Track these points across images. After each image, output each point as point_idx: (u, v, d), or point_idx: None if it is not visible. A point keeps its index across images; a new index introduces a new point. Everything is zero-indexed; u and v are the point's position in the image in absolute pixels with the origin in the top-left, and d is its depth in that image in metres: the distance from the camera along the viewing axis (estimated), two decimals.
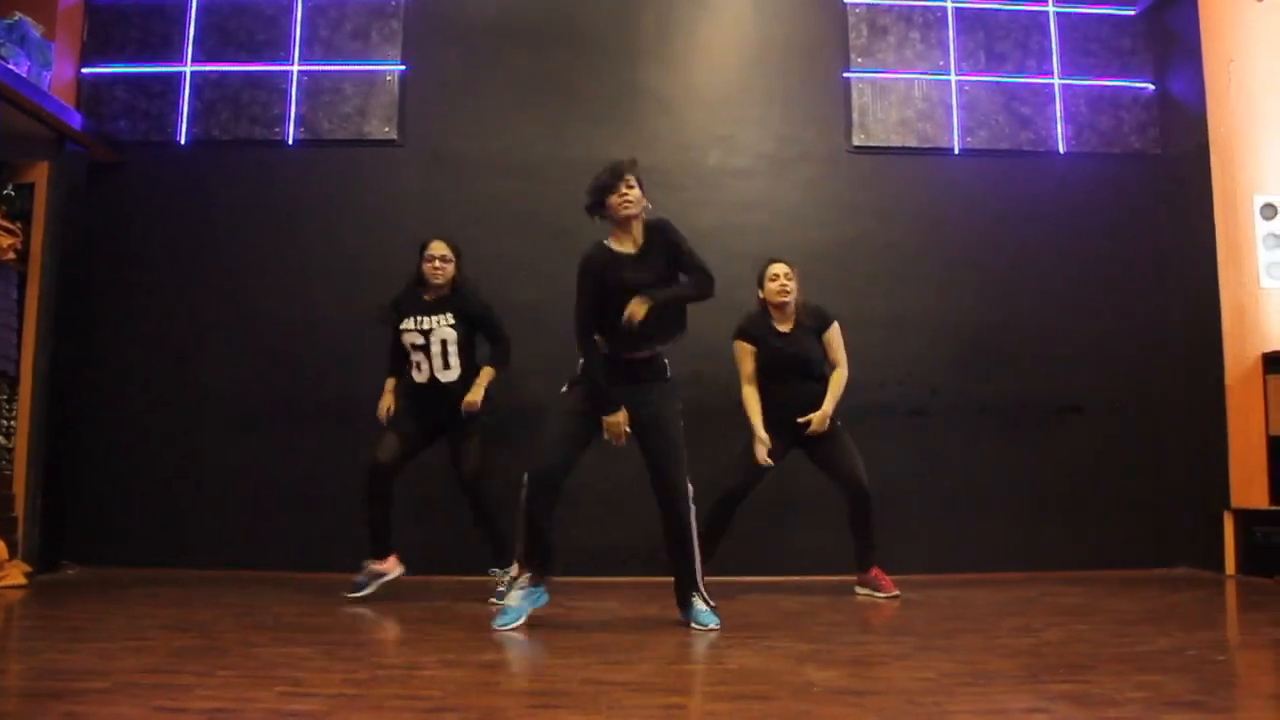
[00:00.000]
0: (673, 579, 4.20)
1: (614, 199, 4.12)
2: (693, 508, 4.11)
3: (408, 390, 4.97)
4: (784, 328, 5.18)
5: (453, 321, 4.94)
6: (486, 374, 4.98)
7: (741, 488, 5.07)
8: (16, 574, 5.20)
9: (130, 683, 2.87)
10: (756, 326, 5.16)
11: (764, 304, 5.23)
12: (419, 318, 4.95)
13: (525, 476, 3.99)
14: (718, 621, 4.03)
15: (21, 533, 5.52)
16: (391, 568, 4.90)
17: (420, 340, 4.92)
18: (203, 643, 3.58)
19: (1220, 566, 5.85)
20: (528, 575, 4.07)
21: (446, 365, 4.92)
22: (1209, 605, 4.83)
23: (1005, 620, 4.23)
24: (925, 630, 4.04)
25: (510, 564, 4.68)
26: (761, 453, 4.97)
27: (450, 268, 5.03)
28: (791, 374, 5.09)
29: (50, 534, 5.67)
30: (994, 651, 3.47)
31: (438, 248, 5.03)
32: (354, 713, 2.58)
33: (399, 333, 4.96)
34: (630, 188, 4.12)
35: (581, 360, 4.14)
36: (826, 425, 5.06)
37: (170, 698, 2.69)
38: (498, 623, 3.95)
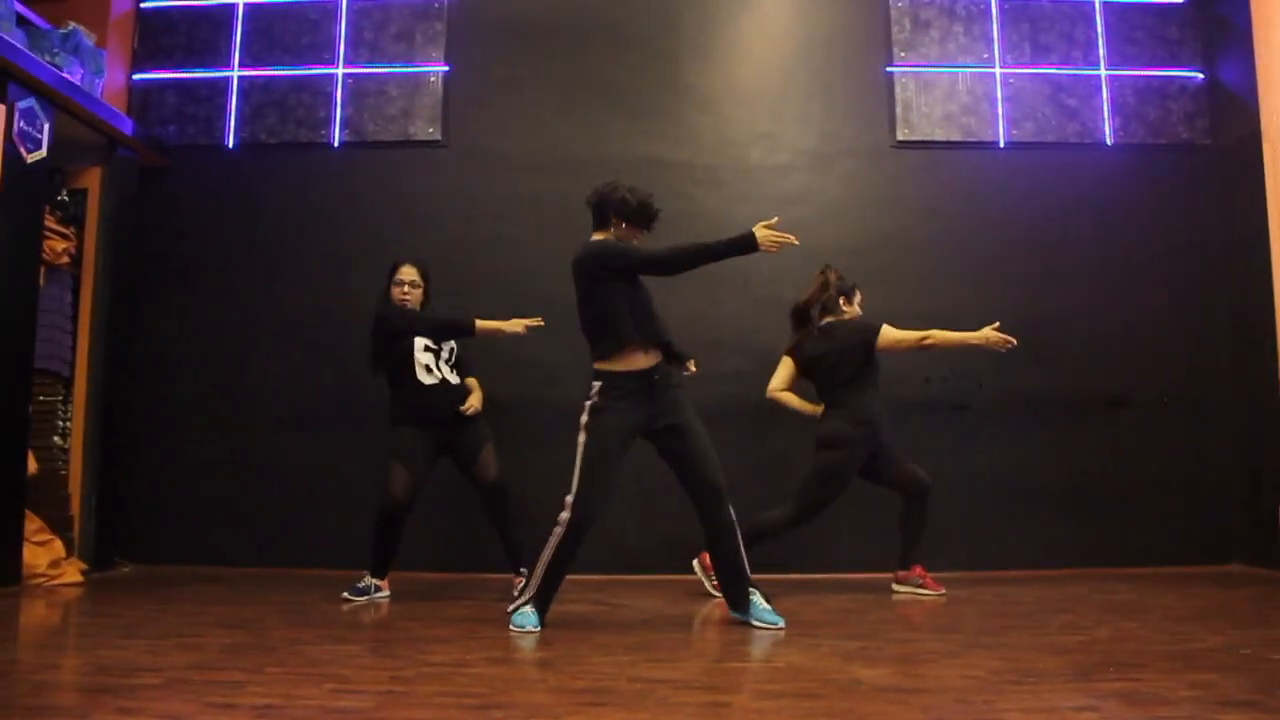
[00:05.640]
0: (723, 580, 4.18)
1: (628, 232, 4.22)
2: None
3: (411, 400, 4.95)
4: None
5: None
6: (476, 382, 5.14)
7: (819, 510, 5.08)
8: (73, 572, 5.31)
9: (182, 679, 2.92)
10: None
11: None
12: None
13: (565, 520, 3.92)
14: (783, 620, 4.01)
15: (77, 531, 5.63)
16: (386, 587, 4.93)
17: (433, 344, 5.02)
18: (252, 639, 3.63)
19: (1275, 563, 5.75)
20: (531, 600, 3.97)
21: (452, 368, 5.04)
22: (1263, 603, 4.74)
23: (1054, 617, 4.19)
24: (973, 628, 4.01)
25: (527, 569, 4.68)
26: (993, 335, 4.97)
27: (418, 293, 5.11)
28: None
29: (105, 532, 5.79)
30: (1043, 649, 3.44)
31: (407, 273, 5.11)
32: (401, 709, 2.60)
33: (409, 337, 4.98)
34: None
35: (597, 384, 4.06)
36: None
37: (221, 694, 2.73)
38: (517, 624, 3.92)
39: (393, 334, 4.97)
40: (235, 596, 4.83)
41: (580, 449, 3.99)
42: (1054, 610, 4.40)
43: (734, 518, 4.09)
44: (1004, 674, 3.01)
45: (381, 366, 5.03)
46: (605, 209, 4.24)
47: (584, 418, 4.04)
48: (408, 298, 5.06)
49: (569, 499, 3.95)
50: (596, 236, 4.26)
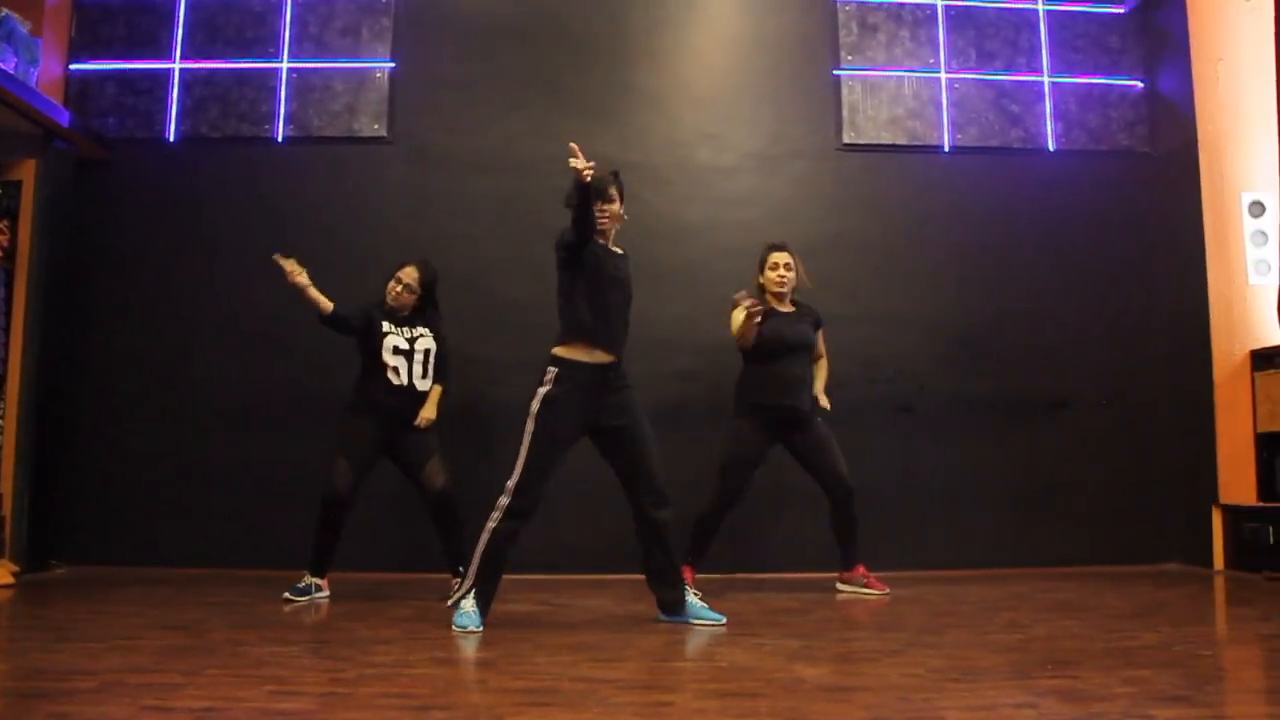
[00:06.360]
0: (655, 583, 4.18)
1: (607, 211, 4.16)
2: None
3: (373, 396, 4.93)
4: (783, 309, 5.19)
5: (433, 336, 5.06)
6: (439, 392, 5.05)
7: (733, 493, 5.07)
8: (4, 573, 5.18)
9: (118, 682, 2.86)
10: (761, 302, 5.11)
11: (761, 289, 5.21)
12: (401, 326, 5.01)
13: (504, 505, 3.91)
14: (723, 617, 4.06)
15: (9, 532, 5.48)
16: (326, 587, 4.89)
17: (405, 346, 4.97)
18: (191, 641, 3.57)
19: (1209, 562, 5.88)
20: (474, 595, 3.92)
21: (425, 374, 4.99)
22: (1197, 600, 4.85)
23: (995, 616, 4.24)
24: (915, 626, 4.04)
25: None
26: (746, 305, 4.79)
27: (412, 297, 5.06)
28: (788, 353, 5.06)
29: (38, 533, 5.64)
30: (983, 647, 3.48)
31: (407, 274, 5.06)
32: (343, 711, 2.57)
33: (381, 335, 4.95)
34: (609, 203, 4.15)
35: (552, 370, 4.01)
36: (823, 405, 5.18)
37: (158, 697, 2.68)
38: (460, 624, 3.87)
39: (360, 327, 4.96)
40: (176, 597, 4.75)
41: (527, 436, 3.95)
42: (996, 609, 4.46)
43: (671, 520, 4.12)
44: (944, 672, 3.03)
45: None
46: None
47: (534, 405, 3.99)
48: (400, 299, 5.03)
49: (510, 484, 3.92)
50: None
